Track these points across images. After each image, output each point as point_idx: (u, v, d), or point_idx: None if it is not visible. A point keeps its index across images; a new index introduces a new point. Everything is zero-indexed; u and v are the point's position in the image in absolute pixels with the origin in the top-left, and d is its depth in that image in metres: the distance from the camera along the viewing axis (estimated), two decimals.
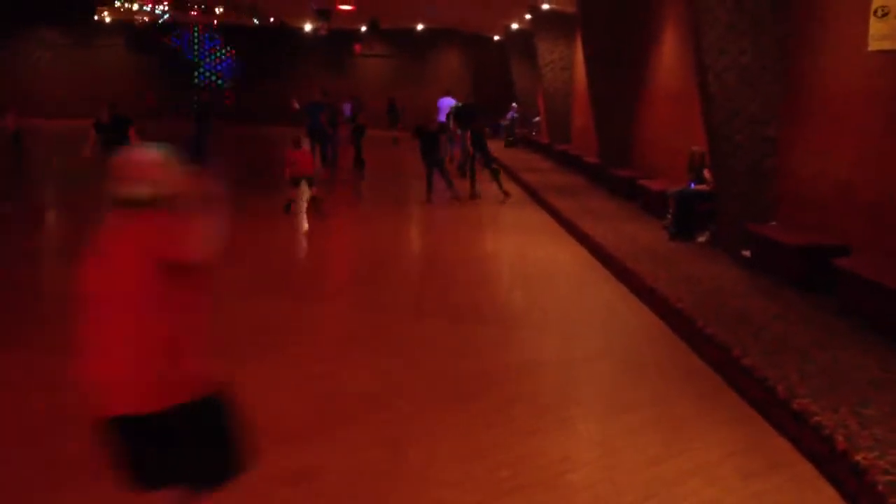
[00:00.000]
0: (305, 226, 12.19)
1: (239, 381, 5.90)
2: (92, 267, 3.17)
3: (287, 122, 31.77)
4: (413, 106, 32.45)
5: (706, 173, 11.04)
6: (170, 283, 3.08)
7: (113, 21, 37.99)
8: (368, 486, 4.41)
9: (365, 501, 4.27)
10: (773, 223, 9.60)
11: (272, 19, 36.16)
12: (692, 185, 11.23)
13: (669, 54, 14.51)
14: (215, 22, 37.12)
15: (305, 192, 12.78)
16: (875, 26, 7.71)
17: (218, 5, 31.73)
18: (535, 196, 16.50)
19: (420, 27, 37.52)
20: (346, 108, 23.74)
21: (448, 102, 22.51)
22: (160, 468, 3.26)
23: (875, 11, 7.67)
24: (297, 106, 20.71)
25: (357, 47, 39.37)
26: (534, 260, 10.25)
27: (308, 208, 12.72)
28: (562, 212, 13.73)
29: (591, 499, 4.31)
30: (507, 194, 16.11)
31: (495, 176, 16.35)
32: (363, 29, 36.98)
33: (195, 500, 3.35)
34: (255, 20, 35.14)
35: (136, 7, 32.77)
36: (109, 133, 11.04)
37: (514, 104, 30.78)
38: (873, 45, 7.79)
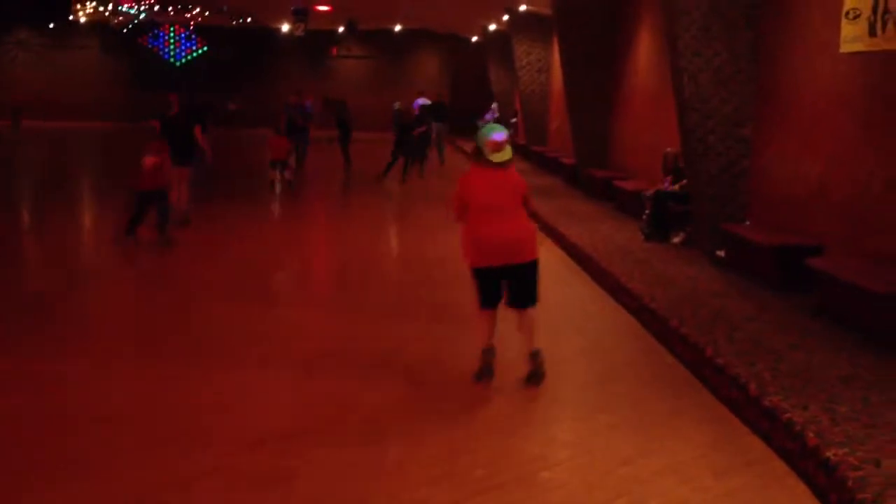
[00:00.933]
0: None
1: (216, 383, 5.93)
2: (492, 193, 6.01)
3: (264, 123, 31.60)
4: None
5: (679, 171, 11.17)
6: (520, 196, 6.15)
7: (88, 22, 37.72)
8: (346, 486, 4.40)
9: (342, 502, 4.26)
10: (748, 223, 9.68)
11: (248, 20, 36.02)
12: (666, 186, 11.30)
13: (645, 56, 14.60)
14: (192, 24, 36.92)
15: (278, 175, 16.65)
16: (847, 29, 7.79)
17: (196, 6, 31.61)
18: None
19: (398, 28, 37.52)
20: (308, 106, 23.97)
21: (420, 102, 24.93)
22: (519, 290, 6.13)
23: (847, 14, 7.76)
24: (233, 107, 21.93)
25: (333, 50, 39.33)
26: None
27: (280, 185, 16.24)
28: (538, 212, 13.72)
29: (565, 497, 4.34)
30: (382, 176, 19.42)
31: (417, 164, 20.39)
32: (341, 30, 36.93)
33: (524, 315, 6.20)
34: (234, 21, 35.05)
35: (110, 7, 32.57)
36: (175, 127, 11.78)
37: (493, 104, 30.80)
38: (845, 48, 7.87)
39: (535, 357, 6.15)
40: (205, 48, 40.26)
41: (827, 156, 8.35)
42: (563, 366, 6.59)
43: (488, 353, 6.23)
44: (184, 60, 40.52)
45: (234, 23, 35.84)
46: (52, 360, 6.42)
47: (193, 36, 40.07)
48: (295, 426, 5.19)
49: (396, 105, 25.68)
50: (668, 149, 11.63)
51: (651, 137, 13.82)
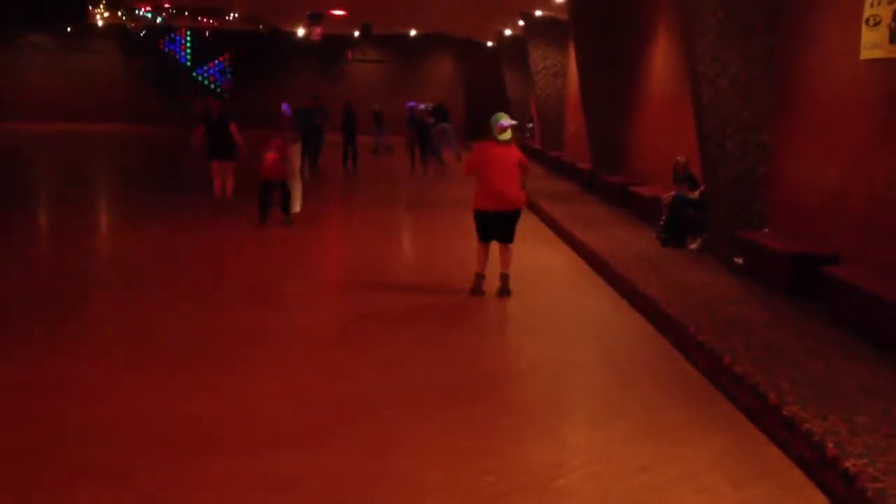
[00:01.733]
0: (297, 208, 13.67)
1: (222, 388, 5.91)
2: (497, 160, 8.67)
3: (278, 126, 31.84)
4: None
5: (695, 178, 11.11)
6: (517, 166, 8.76)
7: (106, 25, 37.93)
8: (354, 492, 4.37)
9: None
10: (765, 231, 9.61)
11: (260, 26, 36.16)
12: (674, 194, 11.26)
13: (661, 61, 14.54)
14: (207, 30, 37.08)
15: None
16: (867, 35, 7.72)
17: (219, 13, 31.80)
18: (528, 202, 16.50)
19: (413, 33, 37.55)
20: (286, 109, 24.54)
21: (412, 104, 26.43)
22: (503, 231, 8.81)
23: (867, 20, 7.69)
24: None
25: (349, 54, 39.44)
26: (525, 265, 10.22)
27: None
28: (554, 217, 13.73)
29: None
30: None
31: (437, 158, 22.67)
32: (356, 34, 36.99)
33: (504, 249, 8.89)
34: (261, 26, 35.20)
35: (126, 15, 32.76)
36: (216, 128, 13.85)
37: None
38: (865, 54, 7.80)
39: (504, 276, 8.92)
40: (223, 53, 40.37)
41: (846, 163, 8.27)
42: (577, 372, 6.55)
43: (480, 277, 8.94)
44: (201, 65, 40.67)
45: (257, 27, 36.01)
46: (63, 366, 6.42)
47: (210, 40, 40.20)
48: (302, 433, 5.17)
49: (375, 106, 28.43)
50: (679, 157, 11.58)
51: (667, 143, 13.74)
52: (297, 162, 14.09)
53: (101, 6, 32.73)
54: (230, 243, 12.14)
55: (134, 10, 33.71)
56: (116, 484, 4.40)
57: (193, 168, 17.71)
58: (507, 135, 8.75)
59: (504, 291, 8.85)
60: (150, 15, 34.48)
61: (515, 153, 8.84)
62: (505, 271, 8.90)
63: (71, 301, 8.48)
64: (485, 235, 8.89)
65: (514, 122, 9.09)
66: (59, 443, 4.94)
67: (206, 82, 40.16)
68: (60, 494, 4.30)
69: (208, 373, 6.26)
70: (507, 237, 8.87)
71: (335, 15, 29.73)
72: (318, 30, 32.40)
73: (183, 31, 39.79)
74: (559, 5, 20.13)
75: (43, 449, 4.84)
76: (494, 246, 9.02)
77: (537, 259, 11.13)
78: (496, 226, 8.80)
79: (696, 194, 11.08)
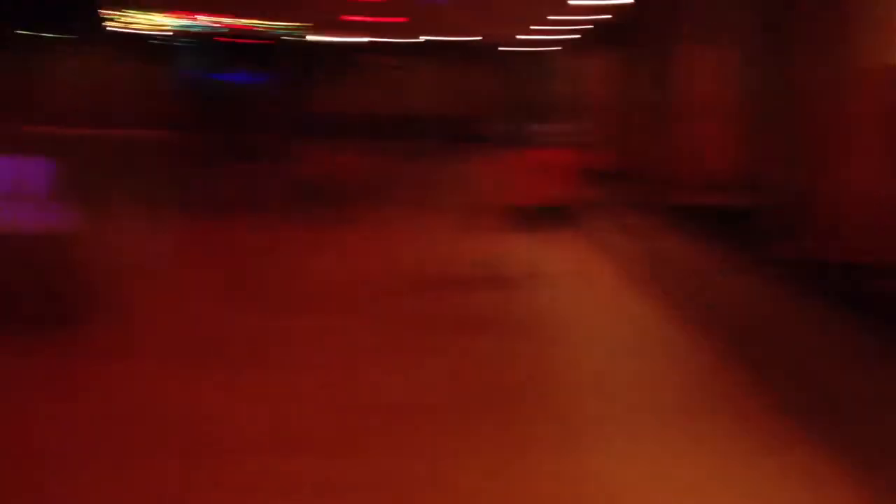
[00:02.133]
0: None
1: (263, 391, 5.78)
2: (539, 164, 9.61)
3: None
4: None
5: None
6: (560, 168, 9.72)
7: (124, 31, 38.23)
8: (394, 499, 4.23)
9: None
10: (816, 243, 9.43)
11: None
12: (725, 202, 11.19)
13: (704, 69, 14.44)
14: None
15: None
16: None
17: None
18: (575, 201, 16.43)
19: (444, 38, 37.44)
20: None
21: None
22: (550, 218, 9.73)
23: None
24: None
25: (384, 60, 39.61)
26: (560, 270, 10.10)
27: None
28: (594, 224, 13.57)
29: None
30: None
31: None
32: (395, 41, 37.06)
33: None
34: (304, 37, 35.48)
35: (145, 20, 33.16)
36: (243, 132, 15.57)
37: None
38: None
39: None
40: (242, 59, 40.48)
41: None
42: (614, 381, 6.43)
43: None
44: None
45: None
46: (70, 365, 6.38)
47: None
48: (343, 436, 5.04)
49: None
50: (721, 165, 11.54)
51: (711, 151, 13.65)
52: None
53: (122, 13, 33.11)
54: (257, 241, 12.12)
55: (154, 18, 34.07)
56: (126, 484, 4.29)
57: (214, 172, 17.83)
58: (555, 140, 9.95)
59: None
60: (170, 21, 34.78)
61: (560, 156, 9.74)
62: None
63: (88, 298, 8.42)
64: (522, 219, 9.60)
65: (561, 129, 9.32)
66: (63, 443, 4.82)
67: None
68: (64, 495, 4.19)
69: (235, 373, 6.18)
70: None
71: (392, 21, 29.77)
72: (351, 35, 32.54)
73: (204, 37, 39.87)
74: (604, 12, 20.00)
75: (48, 448, 4.74)
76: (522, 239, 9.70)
77: (570, 263, 10.90)
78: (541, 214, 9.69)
79: (746, 203, 10.96)
